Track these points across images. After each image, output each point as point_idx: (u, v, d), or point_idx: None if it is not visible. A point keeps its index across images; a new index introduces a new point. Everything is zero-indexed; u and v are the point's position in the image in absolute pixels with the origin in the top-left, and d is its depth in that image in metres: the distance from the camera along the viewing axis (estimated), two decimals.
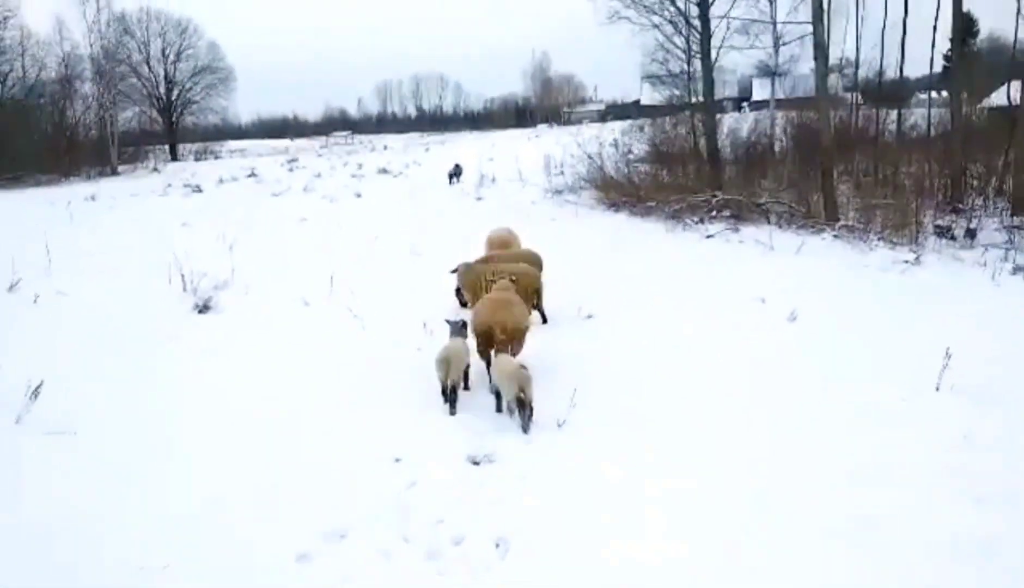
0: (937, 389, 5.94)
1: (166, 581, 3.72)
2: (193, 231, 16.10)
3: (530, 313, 7.44)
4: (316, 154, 51.38)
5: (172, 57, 55.39)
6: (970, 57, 18.53)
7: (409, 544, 4.05)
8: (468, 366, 6.31)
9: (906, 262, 10.50)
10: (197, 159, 51.52)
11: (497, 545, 4.03)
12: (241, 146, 66.29)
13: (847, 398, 5.93)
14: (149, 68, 54.20)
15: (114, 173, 38.63)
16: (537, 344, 7.16)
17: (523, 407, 5.47)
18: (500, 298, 6.73)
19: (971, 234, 11.93)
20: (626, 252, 12.36)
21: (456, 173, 25.73)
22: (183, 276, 9.95)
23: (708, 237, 13.38)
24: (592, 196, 19.15)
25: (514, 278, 7.67)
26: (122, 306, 9.12)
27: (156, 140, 51.76)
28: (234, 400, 6.18)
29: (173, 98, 55.84)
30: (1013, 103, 15.53)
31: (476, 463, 4.98)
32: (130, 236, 15.58)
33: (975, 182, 14.91)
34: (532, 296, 8.07)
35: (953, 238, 11.90)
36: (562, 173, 22.52)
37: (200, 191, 26.70)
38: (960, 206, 13.59)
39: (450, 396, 5.92)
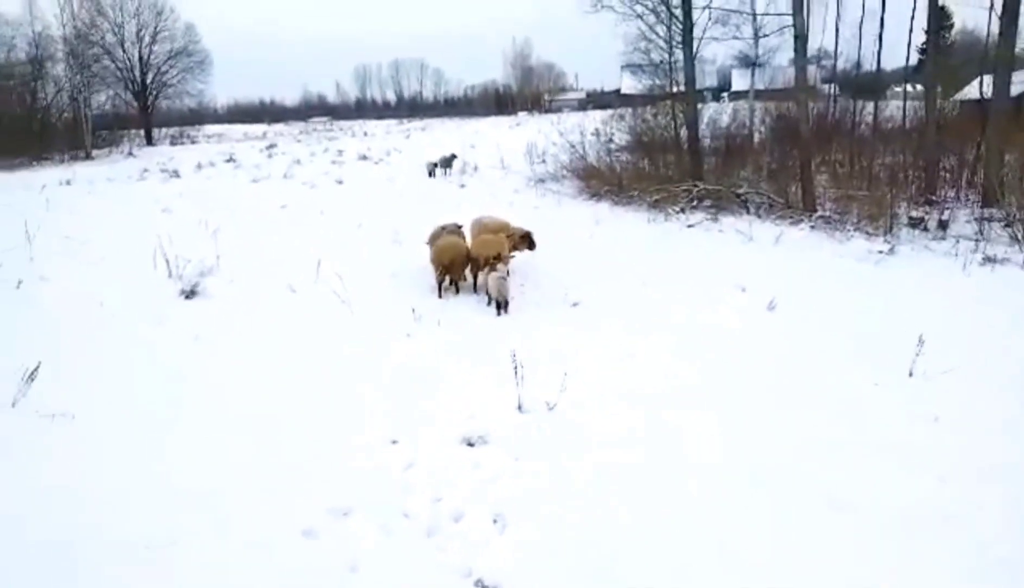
0: (910, 374, 6.21)
1: (174, 556, 3.81)
2: (174, 217, 15.99)
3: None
4: (295, 140, 50.87)
5: (147, 39, 54.14)
6: (944, 50, 18.86)
7: (410, 521, 4.19)
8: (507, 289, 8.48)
9: (880, 253, 10.82)
10: (173, 144, 50.77)
11: (495, 521, 4.19)
12: (218, 131, 65.38)
13: (824, 383, 6.20)
14: (123, 50, 52.98)
15: (88, 157, 37.93)
16: (527, 331, 7.59)
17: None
18: (488, 238, 9.34)
19: (943, 225, 12.28)
20: (608, 241, 12.54)
21: (447, 163, 23.96)
22: (167, 261, 9.93)
23: (689, 227, 13.61)
24: (574, 185, 19.30)
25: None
26: (108, 291, 9.06)
27: (131, 124, 50.75)
28: (230, 384, 6.26)
29: (148, 81, 54.73)
30: (985, 97, 15.90)
31: (471, 444, 5.13)
32: (110, 221, 15.40)
33: (948, 174, 15.30)
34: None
35: (926, 229, 12.24)
36: (544, 162, 22.63)
37: (178, 176, 26.41)
38: (933, 198, 13.97)
39: (502, 306, 8.36)
